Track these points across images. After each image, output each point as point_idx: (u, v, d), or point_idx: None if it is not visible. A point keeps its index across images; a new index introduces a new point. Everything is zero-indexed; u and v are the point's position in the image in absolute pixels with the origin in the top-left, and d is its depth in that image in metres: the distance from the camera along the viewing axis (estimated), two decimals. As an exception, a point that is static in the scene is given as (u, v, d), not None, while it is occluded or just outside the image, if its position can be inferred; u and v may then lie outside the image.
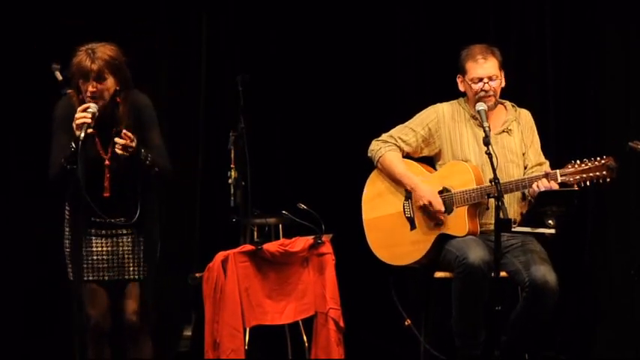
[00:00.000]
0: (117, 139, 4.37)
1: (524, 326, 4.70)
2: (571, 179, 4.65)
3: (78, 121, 4.33)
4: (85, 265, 4.50)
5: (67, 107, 4.47)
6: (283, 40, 6.11)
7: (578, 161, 4.65)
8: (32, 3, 5.70)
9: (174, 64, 5.91)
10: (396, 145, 5.00)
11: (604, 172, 4.61)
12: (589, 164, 4.63)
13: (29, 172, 5.68)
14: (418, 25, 6.06)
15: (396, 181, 4.98)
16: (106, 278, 4.55)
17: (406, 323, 4.98)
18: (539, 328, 4.74)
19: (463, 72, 4.92)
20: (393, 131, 5.04)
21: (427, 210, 4.86)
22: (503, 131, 4.94)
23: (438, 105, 5.04)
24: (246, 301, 4.77)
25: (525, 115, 5.01)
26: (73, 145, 4.33)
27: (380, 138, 5.04)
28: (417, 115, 5.04)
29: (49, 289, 5.68)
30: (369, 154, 5.06)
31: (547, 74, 5.84)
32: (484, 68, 4.86)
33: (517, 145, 4.93)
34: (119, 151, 4.37)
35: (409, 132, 5.01)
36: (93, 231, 4.52)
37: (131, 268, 4.56)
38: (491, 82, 4.86)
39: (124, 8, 5.77)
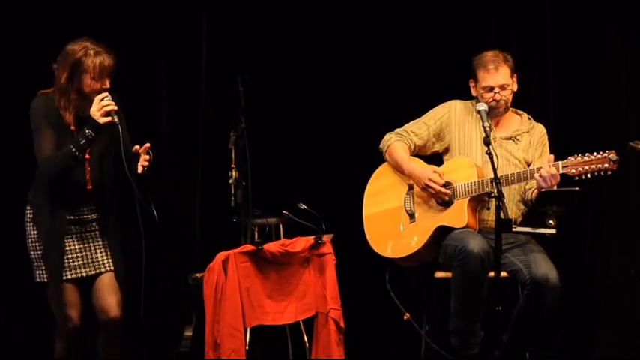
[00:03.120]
0: (145, 156, 4.54)
1: (526, 323, 4.70)
2: (573, 170, 4.63)
3: (107, 108, 4.44)
4: (64, 265, 4.56)
5: (48, 104, 4.55)
6: (283, 40, 6.11)
7: (580, 154, 4.66)
8: (32, 3, 5.70)
9: (174, 64, 5.91)
10: (407, 137, 5.01)
11: (606, 165, 4.60)
12: (591, 157, 4.63)
13: (29, 171, 5.67)
14: (418, 25, 6.06)
15: (398, 169, 5.00)
16: (84, 275, 4.60)
17: (405, 317, 4.97)
18: (541, 325, 4.74)
19: (475, 78, 4.93)
20: (406, 125, 5.08)
21: (430, 191, 4.85)
22: (511, 138, 4.95)
23: (453, 102, 5.06)
24: (247, 301, 4.77)
25: (539, 130, 5.01)
26: (92, 132, 4.42)
27: (393, 131, 5.07)
28: (431, 110, 5.07)
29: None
30: (380, 146, 5.07)
31: (547, 74, 5.84)
32: (495, 78, 4.86)
33: (521, 154, 4.93)
34: (141, 167, 4.54)
35: (422, 125, 5.04)
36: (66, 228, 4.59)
37: (105, 261, 4.64)
38: (502, 92, 4.87)
39: (124, 8, 5.76)
